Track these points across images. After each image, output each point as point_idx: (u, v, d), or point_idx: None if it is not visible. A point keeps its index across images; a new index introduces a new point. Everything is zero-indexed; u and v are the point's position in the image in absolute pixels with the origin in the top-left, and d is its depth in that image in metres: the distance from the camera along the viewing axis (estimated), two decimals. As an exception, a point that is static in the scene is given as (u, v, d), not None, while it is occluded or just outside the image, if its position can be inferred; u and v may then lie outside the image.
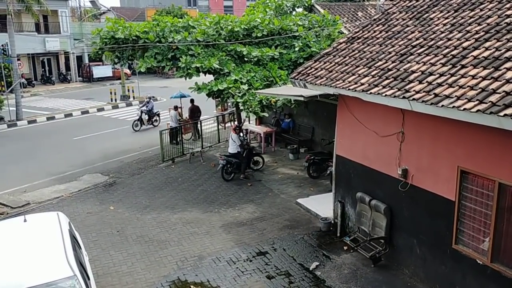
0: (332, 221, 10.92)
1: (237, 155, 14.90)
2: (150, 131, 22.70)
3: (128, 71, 43.14)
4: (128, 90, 33.58)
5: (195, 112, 20.67)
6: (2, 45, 28.20)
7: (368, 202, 9.47)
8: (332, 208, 11.09)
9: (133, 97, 33.35)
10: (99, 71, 44.18)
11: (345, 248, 9.97)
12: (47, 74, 43.07)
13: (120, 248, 10.52)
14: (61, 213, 8.38)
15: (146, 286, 8.91)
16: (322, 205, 11.95)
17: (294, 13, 18.98)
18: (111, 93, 32.45)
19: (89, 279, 6.92)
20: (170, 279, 9.11)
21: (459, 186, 7.40)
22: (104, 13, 49.95)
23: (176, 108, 20.56)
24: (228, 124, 21.13)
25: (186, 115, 21.97)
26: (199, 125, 19.06)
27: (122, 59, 16.59)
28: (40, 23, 40.70)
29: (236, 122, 19.39)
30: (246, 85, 14.84)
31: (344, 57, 9.86)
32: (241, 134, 15.97)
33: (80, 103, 32.64)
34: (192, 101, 20.74)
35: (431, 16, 9.19)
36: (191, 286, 8.83)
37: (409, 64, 8.01)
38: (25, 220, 7.77)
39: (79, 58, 45.33)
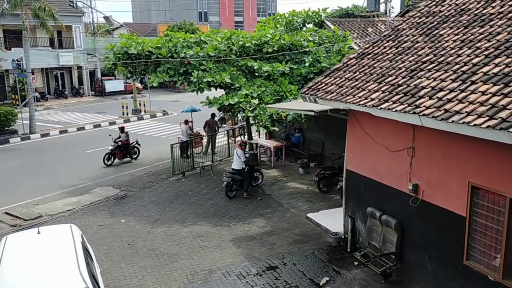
0: (343, 236, 10.89)
1: (241, 172, 14.61)
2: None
3: (139, 86, 43.65)
4: (140, 104, 33.96)
5: (212, 126, 20.90)
6: (17, 60, 28.75)
7: (379, 217, 9.45)
8: (342, 223, 11.07)
9: (145, 111, 33.70)
10: (111, 85, 44.77)
11: (356, 263, 9.93)
12: (60, 88, 43.71)
13: (131, 261, 10.59)
14: (74, 226, 8.49)
15: (156, 299, 8.96)
16: (332, 220, 11.94)
17: (304, 29, 19.19)
18: (122, 107, 32.83)
19: (101, 291, 6.99)
20: (180, 293, 9.15)
21: (470, 201, 7.38)
22: (117, 28, 50.77)
23: (186, 122, 20.76)
24: (238, 138, 21.27)
25: (197, 129, 22.20)
26: (208, 139, 19.21)
27: (135, 73, 16.89)
28: (54, 38, 41.44)
29: (246, 137, 19.53)
30: (257, 99, 15.00)
31: (355, 73, 9.95)
32: (247, 149, 15.98)
33: (92, 116, 33.04)
34: (213, 115, 20.87)
35: (441, 33, 9.26)
36: (201, 300, 8.86)
37: (419, 80, 8.07)
38: (38, 232, 7.88)
39: (92, 73, 45.99)
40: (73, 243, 7.47)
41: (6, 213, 13.88)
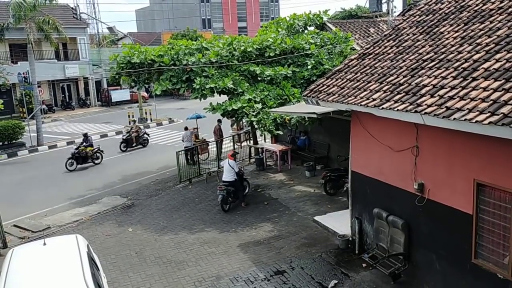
0: (350, 238, 10.82)
1: (234, 183, 14.10)
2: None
3: (145, 94, 43.87)
4: (146, 113, 34.12)
5: (218, 132, 20.94)
6: (23, 73, 29.05)
7: (386, 218, 9.38)
8: (349, 225, 11.00)
9: (151, 119, 33.85)
10: (117, 95, 45.02)
11: (364, 265, 9.86)
12: (67, 100, 44.04)
13: (138, 269, 10.60)
14: (80, 236, 8.51)
15: (164, 307, 8.95)
16: (340, 222, 11.86)
17: (306, 31, 19.17)
18: (129, 116, 32.98)
19: (107, 300, 6.99)
20: (188, 300, 9.13)
21: (476, 199, 7.29)
22: (121, 38, 51.14)
23: (186, 128, 20.81)
24: (244, 143, 21.26)
25: (203, 135, 22.25)
26: (214, 145, 19.22)
27: (139, 82, 16.98)
28: (59, 50, 41.81)
29: (252, 141, 19.53)
30: (260, 104, 15.00)
31: (356, 73, 9.91)
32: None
33: (99, 127, 33.25)
34: (219, 121, 20.86)
35: (441, 30, 9.20)
36: (209, 307, 8.83)
37: (420, 78, 8.01)
38: (44, 244, 7.91)
39: (98, 83, 46.33)
40: (78, 254, 7.48)
41: (15, 225, 13.98)
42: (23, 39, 30.14)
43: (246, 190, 15.06)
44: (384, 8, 28.37)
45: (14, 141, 26.15)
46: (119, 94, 45.22)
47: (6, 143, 25.52)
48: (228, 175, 14.07)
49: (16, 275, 7.02)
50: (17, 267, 7.25)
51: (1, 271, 7.36)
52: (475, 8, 9.05)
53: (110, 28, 34.95)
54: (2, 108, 18.59)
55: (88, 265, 7.18)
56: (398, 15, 19.11)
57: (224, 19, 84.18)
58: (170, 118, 34.44)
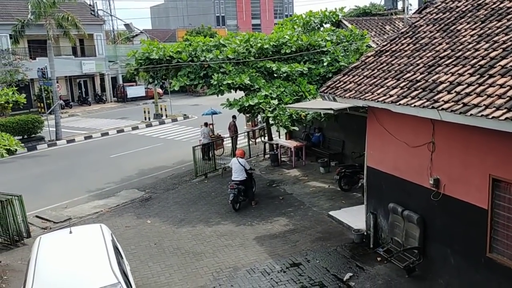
0: (365, 233, 10.98)
1: (245, 181, 13.93)
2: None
3: (160, 91, 44.31)
4: (161, 109, 34.52)
5: (233, 127, 21.17)
6: (42, 69, 29.59)
7: (401, 212, 9.53)
8: (364, 220, 11.16)
9: (166, 116, 34.25)
10: (132, 91, 45.59)
11: (379, 259, 10.02)
12: (84, 95, 44.72)
13: (158, 260, 10.90)
14: (104, 225, 8.83)
15: (183, 296, 9.22)
16: (354, 217, 12.02)
17: (322, 29, 19.30)
18: (144, 112, 33.43)
19: (131, 286, 7.27)
20: (206, 289, 9.40)
21: (492, 194, 7.42)
22: (137, 35, 51.63)
23: (206, 124, 21.08)
24: (258, 140, 21.48)
25: (218, 131, 22.52)
26: (230, 141, 19.46)
27: (156, 78, 17.27)
28: (77, 46, 42.46)
29: (266, 137, 19.74)
30: (276, 100, 15.18)
31: (373, 70, 10.05)
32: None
33: (116, 122, 33.75)
34: (234, 117, 21.05)
35: (459, 28, 9.30)
36: (227, 296, 9.08)
37: (437, 75, 8.14)
38: (70, 232, 8.23)
39: (114, 79, 46.90)
40: (103, 242, 7.79)
41: (37, 216, 14.39)
42: (41, 35, 30.70)
43: (254, 188, 14.73)
44: (400, 5, 28.36)
45: (33, 135, 26.71)
46: (135, 90, 45.79)
47: (25, 137, 26.06)
48: (239, 175, 13.86)
49: (45, 261, 7.34)
50: (45, 253, 7.57)
51: (30, 257, 7.69)
52: (492, 6, 9.13)
53: (127, 25, 35.39)
54: (25, 102, 18.96)
55: (113, 252, 7.48)
56: (415, 13, 19.15)
57: (238, 16, 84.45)
58: (185, 114, 34.81)
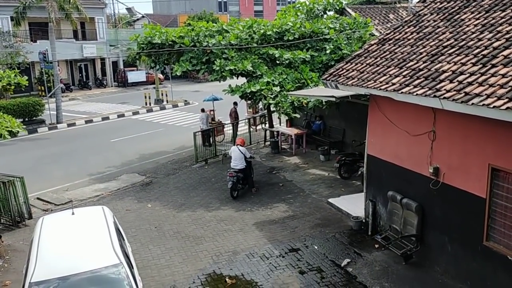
0: (364, 220, 11.09)
1: (244, 169, 13.91)
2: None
3: (161, 76, 44.18)
4: (162, 94, 34.48)
5: (234, 114, 21.20)
6: (43, 52, 29.47)
7: (400, 200, 9.62)
8: (363, 208, 11.26)
9: (167, 101, 34.22)
10: (133, 76, 45.42)
11: (377, 246, 10.13)
12: (84, 79, 44.55)
13: (158, 243, 11.02)
14: (106, 207, 8.91)
15: (183, 278, 9.34)
16: (353, 204, 12.13)
17: (325, 16, 19.24)
18: (145, 97, 33.38)
19: (133, 268, 7.38)
20: (206, 272, 9.52)
21: (490, 183, 7.50)
22: (138, 19, 51.33)
23: (203, 110, 21.08)
24: (259, 127, 21.52)
25: (219, 117, 22.54)
26: (231, 128, 19.48)
27: (158, 63, 17.23)
28: (78, 30, 42.21)
29: (267, 124, 19.77)
30: (278, 87, 15.20)
31: (376, 58, 10.06)
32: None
33: (116, 107, 33.73)
34: (235, 103, 21.04)
35: (462, 17, 9.30)
36: (227, 279, 9.20)
37: (440, 64, 8.17)
38: (73, 213, 8.32)
39: (114, 64, 46.71)
40: (105, 223, 7.88)
41: (38, 198, 14.51)
42: (42, 17, 30.51)
43: (252, 176, 14.70)
44: (404, -6, 28.11)
45: (34, 118, 26.75)
46: (135, 75, 45.62)
47: (26, 119, 26.07)
48: (238, 163, 13.80)
49: (47, 241, 7.43)
50: (48, 234, 7.67)
51: (33, 237, 7.79)
52: (497, -4, 9.12)
53: (129, 9, 35.19)
54: (27, 85, 18.93)
55: (115, 233, 7.58)
56: (419, 2, 19.03)
57: (240, 2, 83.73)
58: (186, 100, 34.78)
